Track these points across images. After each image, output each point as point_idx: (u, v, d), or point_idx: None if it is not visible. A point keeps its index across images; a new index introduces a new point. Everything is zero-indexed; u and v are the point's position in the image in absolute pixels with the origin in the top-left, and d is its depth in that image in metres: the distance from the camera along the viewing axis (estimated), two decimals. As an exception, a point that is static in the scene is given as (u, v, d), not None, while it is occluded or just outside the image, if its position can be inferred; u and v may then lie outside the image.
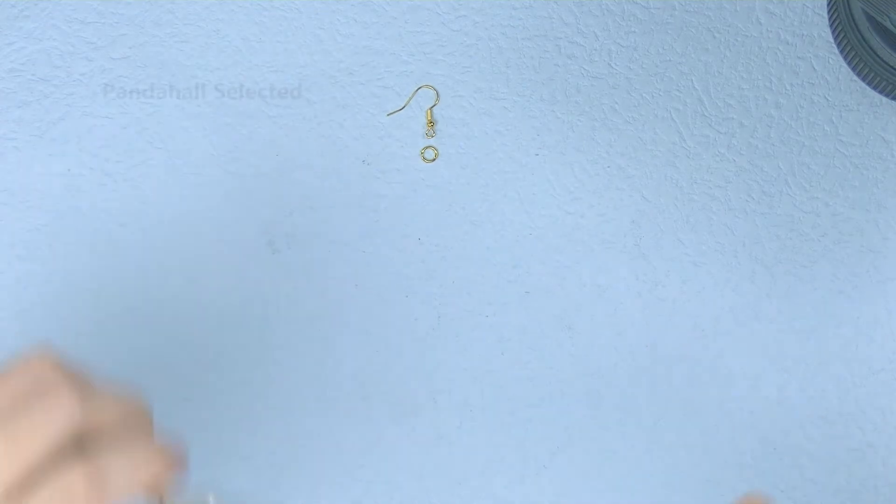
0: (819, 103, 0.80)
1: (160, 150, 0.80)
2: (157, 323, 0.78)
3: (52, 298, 0.78)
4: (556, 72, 0.80)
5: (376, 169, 0.79)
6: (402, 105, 0.80)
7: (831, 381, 0.77)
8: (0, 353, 0.78)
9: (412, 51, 0.81)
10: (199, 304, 0.78)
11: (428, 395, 0.77)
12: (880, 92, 0.79)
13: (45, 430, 0.45)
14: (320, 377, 0.77)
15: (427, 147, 0.80)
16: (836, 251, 0.79)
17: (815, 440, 0.77)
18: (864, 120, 0.80)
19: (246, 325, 0.78)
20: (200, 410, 0.77)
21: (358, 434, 0.77)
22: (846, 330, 0.78)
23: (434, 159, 0.80)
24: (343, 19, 0.81)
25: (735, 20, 0.81)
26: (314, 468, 0.77)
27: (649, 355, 0.77)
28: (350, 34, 0.81)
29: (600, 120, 0.80)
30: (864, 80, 0.79)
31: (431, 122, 0.80)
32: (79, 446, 0.47)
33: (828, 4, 0.81)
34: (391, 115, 0.80)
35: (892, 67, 0.76)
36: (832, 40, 0.80)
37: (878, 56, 0.76)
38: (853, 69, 0.80)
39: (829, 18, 0.80)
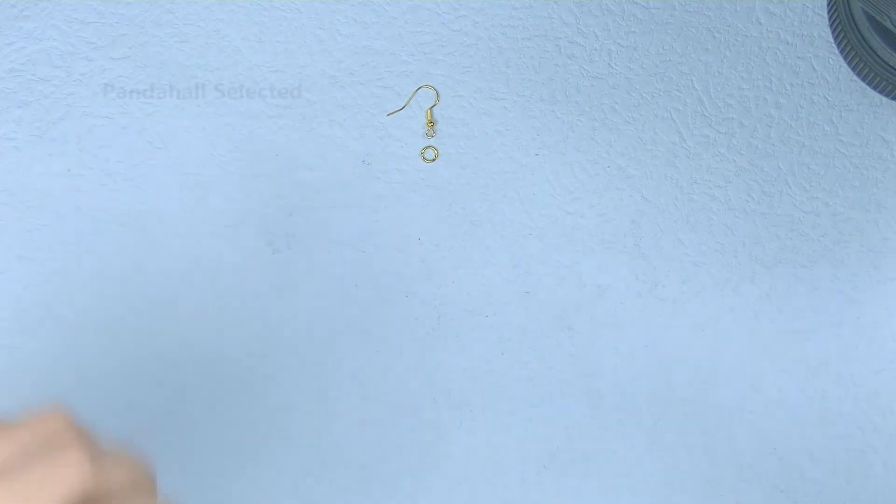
0: (819, 103, 0.80)
1: (160, 150, 0.80)
2: (157, 323, 0.78)
3: (52, 298, 0.78)
4: (556, 72, 0.80)
5: (376, 169, 0.79)
6: (402, 105, 0.80)
7: (831, 381, 0.77)
8: (0, 355, 0.78)
9: (412, 51, 0.81)
10: (200, 303, 0.78)
11: (428, 395, 0.77)
12: (880, 92, 0.79)
13: (54, 488, 0.45)
14: (320, 377, 0.77)
15: (427, 147, 0.80)
16: (836, 251, 0.79)
17: (815, 440, 0.77)
18: (864, 120, 0.80)
19: (246, 325, 0.78)
20: (200, 409, 0.77)
21: (358, 434, 0.77)
22: (846, 330, 0.78)
23: (434, 159, 0.80)
24: (343, 19, 0.81)
25: (735, 20, 0.81)
26: (314, 468, 0.77)
27: (649, 355, 0.77)
28: (350, 34, 0.81)
29: (600, 120, 0.80)
30: (864, 80, 0.79)
31: (431, 122, 0.80)
32: None
33: (828, 4, 0.81)
34: (391, 115, 0.80)
35: (892, 67, 0.76)
36: (832, 40, 0.80)
37: (878, 56, 0.76)
38: (853, 69, 0.80)
39: (829, 18, 0.80)
